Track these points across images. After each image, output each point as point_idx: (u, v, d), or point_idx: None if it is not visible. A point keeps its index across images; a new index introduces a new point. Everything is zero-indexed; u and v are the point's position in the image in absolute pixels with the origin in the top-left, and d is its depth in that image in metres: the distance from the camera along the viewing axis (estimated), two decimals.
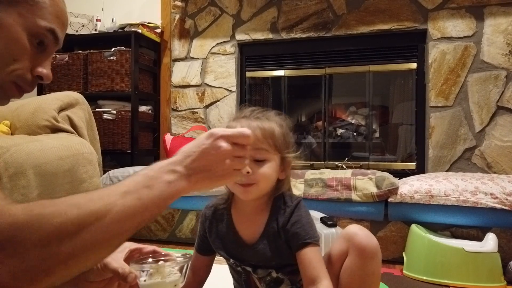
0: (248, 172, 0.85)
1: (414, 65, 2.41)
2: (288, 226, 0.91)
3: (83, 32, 2.70)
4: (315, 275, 0.87)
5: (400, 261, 1.72)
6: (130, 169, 2.18)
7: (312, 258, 0.88)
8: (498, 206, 1.62)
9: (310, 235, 0.90)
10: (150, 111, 2.80)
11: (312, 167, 2.44)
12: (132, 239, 2.22)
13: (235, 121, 0.93)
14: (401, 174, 2.24)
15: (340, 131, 2.66)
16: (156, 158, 2.87)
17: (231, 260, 0.98)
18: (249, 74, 2.74)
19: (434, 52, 2.32)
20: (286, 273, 0.95)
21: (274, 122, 0.93)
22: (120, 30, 2.66)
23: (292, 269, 0.93)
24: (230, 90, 2.71)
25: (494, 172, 2.20)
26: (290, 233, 0.91)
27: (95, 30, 2.72)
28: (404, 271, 1.62)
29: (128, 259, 0.80)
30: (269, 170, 0.89)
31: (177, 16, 2.81)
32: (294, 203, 0.94)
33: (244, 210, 0.97)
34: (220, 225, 0.98)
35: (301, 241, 0.90)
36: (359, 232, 0.90)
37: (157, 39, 2.80)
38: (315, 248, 0.90)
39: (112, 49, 2.61)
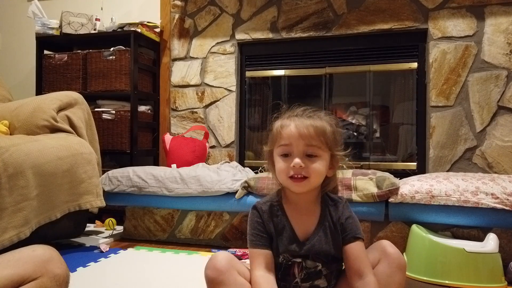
0: (301, 166, 0.94)
1: (414, 65, 2.41)
2: (342, 220, 1.00)
3: (82, 31, 2.69)
4: (362, 269, 0.95)
5: None
6: (129, 169, 2.17)
7: (360, 253, 0.97)
8: (499, 206, 1.62)
9: (360, 231, 1.00)
10: (149, 111, 2.79)
11: None
12: (132, 240, 2.20)
13: (288, 119, 0.99)
14: (402, 174, 2.24)
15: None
16: (156, 158, 2.86)
17: (281, 257, 1.00)
18: (249, 73, 2.73)
19: (435, 51, 2.32)
20: (330, 270, 1.01)
21: (325, 121, 0.99)
22: (119, 30, 2.65)
23: (336, 267, 1.01)
24: (230, 90, 2.70)
25: (495, 172, 2.19)
26: (344, 226, 1.00)
27: (94, 29, 2.71)
28: None
29: None
30: (320, 165, 0.97)
31: (177, 16, 2.81)
32: (344, 200, 1.04)
33: (297, 204, 1.02)
34: (275, 220, 1.02)
35: (352, 234, 0.98)
36: (391, 245, 1.00)
37: (157, 39, 2.80)
38: (362, 244, 0.99)
39: (112, 49, 2.60)
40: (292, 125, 0.97)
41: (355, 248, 0.97)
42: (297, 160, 0.95)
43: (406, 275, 1.57)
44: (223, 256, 0.95)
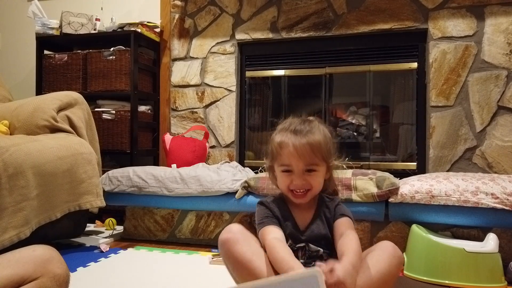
0: (302, 184, 1.07)
1: (414, 65, 2.41)
2: (336, 209, 1.14)
3: (82, 31, 2.69)
4: (344, 230, 1.06)
5: None
6: (129, 169, 2.17)
7: (344, 223, 1.10)
8: (499, 206, 1.62)
9: (347, 213, 1.13)
10: (149, 111, 2.79)
11: None
12: (132, 240, 2.20)
13: (286, 137, 1.08)
14: (402, 174, 2.23)
15: (340, 131, 2.66)
16: (156, 158, 2.86)
17: (289, 241, 1.09)
18: (249, 73, 2.73)
19: (435, 51, 2.32)
20: (330, 256, 1.08)
21: (318, 134, 1.08)
22: (119, 30, 2.65)
23: (336, 255, 1.06)
24: (230, 90, 2.70)
25: (495, 172, 2.19)
26: (335, 211, 1.13)
27: (95, 29, 2.71)
28: (404, 272, 1.61)
29: None
30: (319, 177, 1.10)
31: (177, 16, 2.81)
32: (338, 199, 1.18)
33: (296, 204, 1.14)
34: (280, 209, 1.14)
35: (340, 213, 1.12)
36: (390, 242, 1.07)
37: (157, 39, 2.80)
38: (350, 220, 1.12)
39: (112, 49, 2.60)
40: (291, 145, 1.06)
41: (340, 221, 1.10)
42: (298, 181, 1.07)
43: (406, 275, 1.58)
44: (236, 224, 1.08)
